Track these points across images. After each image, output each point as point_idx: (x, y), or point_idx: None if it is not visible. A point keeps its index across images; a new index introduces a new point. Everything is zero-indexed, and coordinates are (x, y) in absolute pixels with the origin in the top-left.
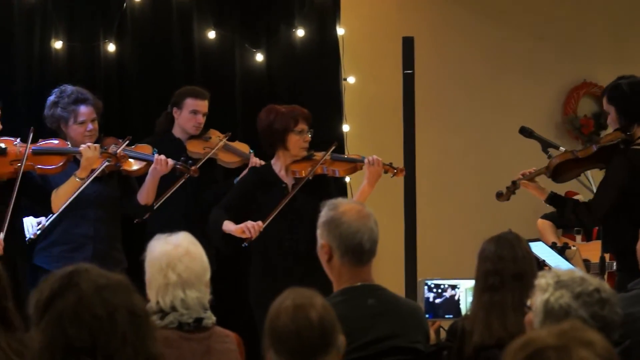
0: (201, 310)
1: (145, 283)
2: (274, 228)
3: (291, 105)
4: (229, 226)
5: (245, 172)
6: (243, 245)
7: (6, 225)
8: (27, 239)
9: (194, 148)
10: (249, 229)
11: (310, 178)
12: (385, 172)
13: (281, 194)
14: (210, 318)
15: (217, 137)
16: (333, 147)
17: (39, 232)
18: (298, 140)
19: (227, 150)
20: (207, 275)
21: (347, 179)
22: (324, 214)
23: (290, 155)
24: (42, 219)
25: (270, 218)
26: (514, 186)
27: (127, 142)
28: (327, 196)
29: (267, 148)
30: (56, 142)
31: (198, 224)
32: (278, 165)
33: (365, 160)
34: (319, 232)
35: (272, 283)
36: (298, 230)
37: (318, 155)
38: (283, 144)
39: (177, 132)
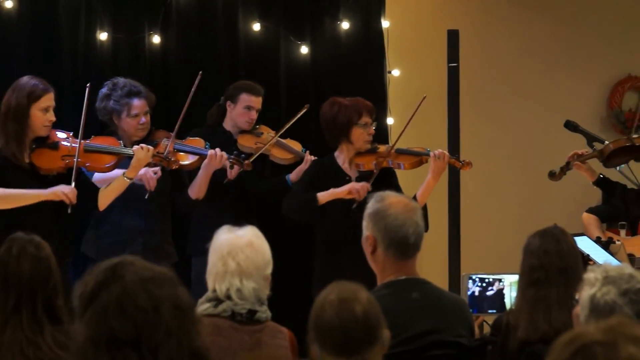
0: (256, 302)
1: (191, 278)
2: (338, 221)
3: (355, 97)
4: (332, 191)
5: (298, 173)
6: (353, 207)
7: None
8: (146, 195)
9: (246, 142)
10: (358, 189)
11: (376, 172)
12: (451, 165)
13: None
14: (265, 312)
15: (268, 133)
16: (398, 140)
17: None
18: (362, 133)
19: (280, 147)
20: (268, 270)
21: None
22: (371, 206)
23: (354, 148)
24: (158, 169)
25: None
26: (567, 166)
27: (174, 139)
28: (392, 189)
29: (330, 141)
30: (110, 140)
31: (246, 219)
32: (341, 157)
33: (431, 154)
34: (364, 223)
35: (336, 277)
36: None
37: (382, 148)
38: (347, 137)
39: (228, 125)
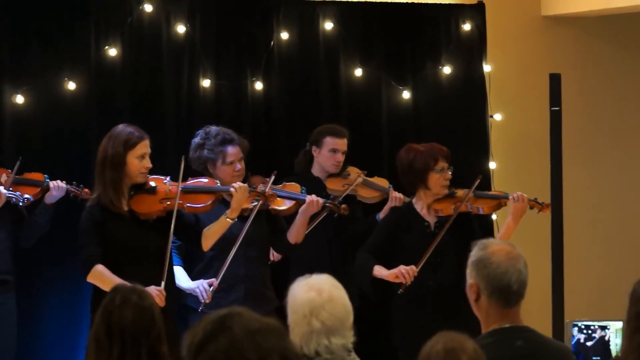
0: (345, 353)
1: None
2: (420, 276)
3: (430, 143)
4: (380, 271)
5: (386, 211)
6: (399, 291)
7: (166, 273)
8: (200, 308)
9: (333, 186)
10: (403, 274)
11: (453, 217)
12: (531, 207)
13: (424, 233)
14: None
15: (355, 174)
16: (476, 184)
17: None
18: (439, 179)
19: (366, 186)
20: (351, 319)
21: (494, 217)
22: (474, 254)
23: (432, 194)
24: (214, 281)
25: (423, 261)
26: None
27: (274, 178)
28: (471, 234)
29: (407, 187)
30: (205, 180)
31: (341, 262)
32: (420, 204)
33: (510, 197)
34: (468, 271)
35: (416, 323)
36: (442, 269)
37: (460, 192)
38: (424, 183)
39: (316, 170)
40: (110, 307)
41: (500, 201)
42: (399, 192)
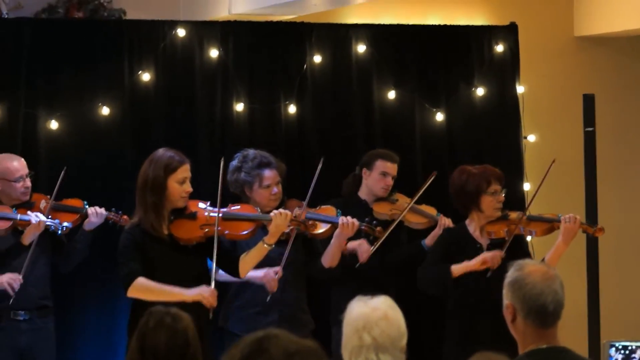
0: None
1: (331, 348)
2: (472, 290)
3: (483, 165)
4: (465, 265)
5: (433, 237)
6: (487, 275)
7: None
8: (267, 298)
9: (381, 210)
10: (490, 258)
11: (508, 239)
12: (583, 231)
13: (476, 254)
14: None
15: (403, 200)
16: (529, 205)
17: None
18: (491, 201)
19: (415, 212)
20: (404, 341)
21: (529, 238)
22: (510, 274)
23: (485, 216)
24: (279, 269)
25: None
26: None
27: (306, 207)
28: (524, 256)
29: (460, 209)
30: (241, 207)
31: (385, 286)
32: (472, 226)
33: (562, 218)
34: (504, 292)
35: (470, 348)
36: (496, 292)
37: (513, 214)
38: (476, 206)
39: (363, 193)
40: (144, 330)
41: (553, 224)
42: (447, 217)
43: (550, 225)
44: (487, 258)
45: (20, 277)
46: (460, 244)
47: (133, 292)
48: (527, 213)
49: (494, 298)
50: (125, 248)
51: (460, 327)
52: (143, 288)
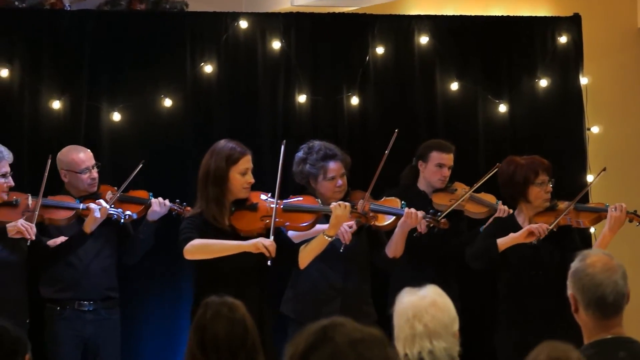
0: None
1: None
2: (520, 279)
3: (531, 156)
4: (511, 236)
5: (489, 221)
6: (532, 243)
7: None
8: (341, 249)
9: (440, 201)
10: (536, 228)
11: (555, 230)
12: (630, 220)
13: (525, 245)
14: None
15: (462, 189)
16: (578, 197)
17: None
18: (539, 192)
19: (474, 201)
20: (455, 326)
21: (592, 229)
22: (574, 265)
23: (533, 207)
24: (352, 223)
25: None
26: None
27: (368, 197)
28: (572, 247)
29: (508, 200)
30: (302, 198)
31: (445, 276)
32: (521, 216)
33: (609, 207)
34: (567, 282)
35: (519, 335)
36: (543, 282)
37: (562, 205)
38: (524, 196)
39: (421, 185)
40: (203, 322)
41: (600, 214)
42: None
43: (597, 215)
44: (532, 228)
45: (34, 226)
46: (508, 234)
47: (191, 253)
48: (575, 204)
49: (540, 290)
50: (186, 225)
51: (507, 315)
52: (200, 246)
